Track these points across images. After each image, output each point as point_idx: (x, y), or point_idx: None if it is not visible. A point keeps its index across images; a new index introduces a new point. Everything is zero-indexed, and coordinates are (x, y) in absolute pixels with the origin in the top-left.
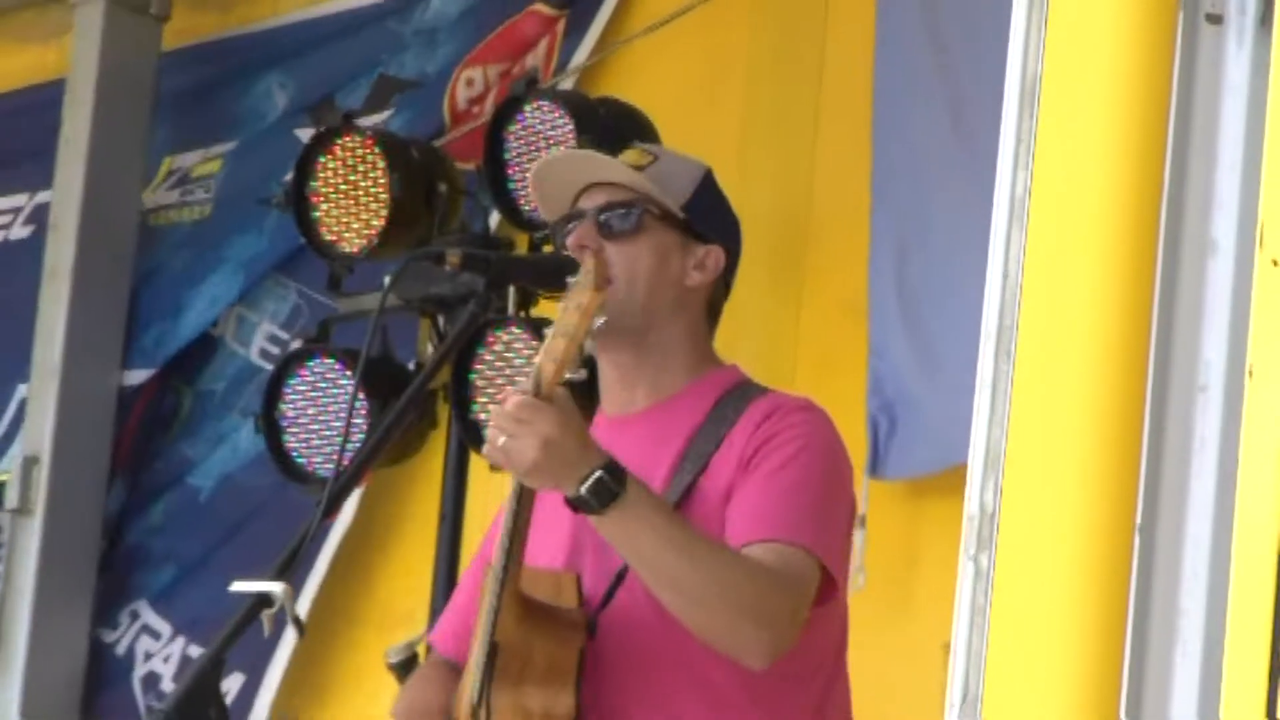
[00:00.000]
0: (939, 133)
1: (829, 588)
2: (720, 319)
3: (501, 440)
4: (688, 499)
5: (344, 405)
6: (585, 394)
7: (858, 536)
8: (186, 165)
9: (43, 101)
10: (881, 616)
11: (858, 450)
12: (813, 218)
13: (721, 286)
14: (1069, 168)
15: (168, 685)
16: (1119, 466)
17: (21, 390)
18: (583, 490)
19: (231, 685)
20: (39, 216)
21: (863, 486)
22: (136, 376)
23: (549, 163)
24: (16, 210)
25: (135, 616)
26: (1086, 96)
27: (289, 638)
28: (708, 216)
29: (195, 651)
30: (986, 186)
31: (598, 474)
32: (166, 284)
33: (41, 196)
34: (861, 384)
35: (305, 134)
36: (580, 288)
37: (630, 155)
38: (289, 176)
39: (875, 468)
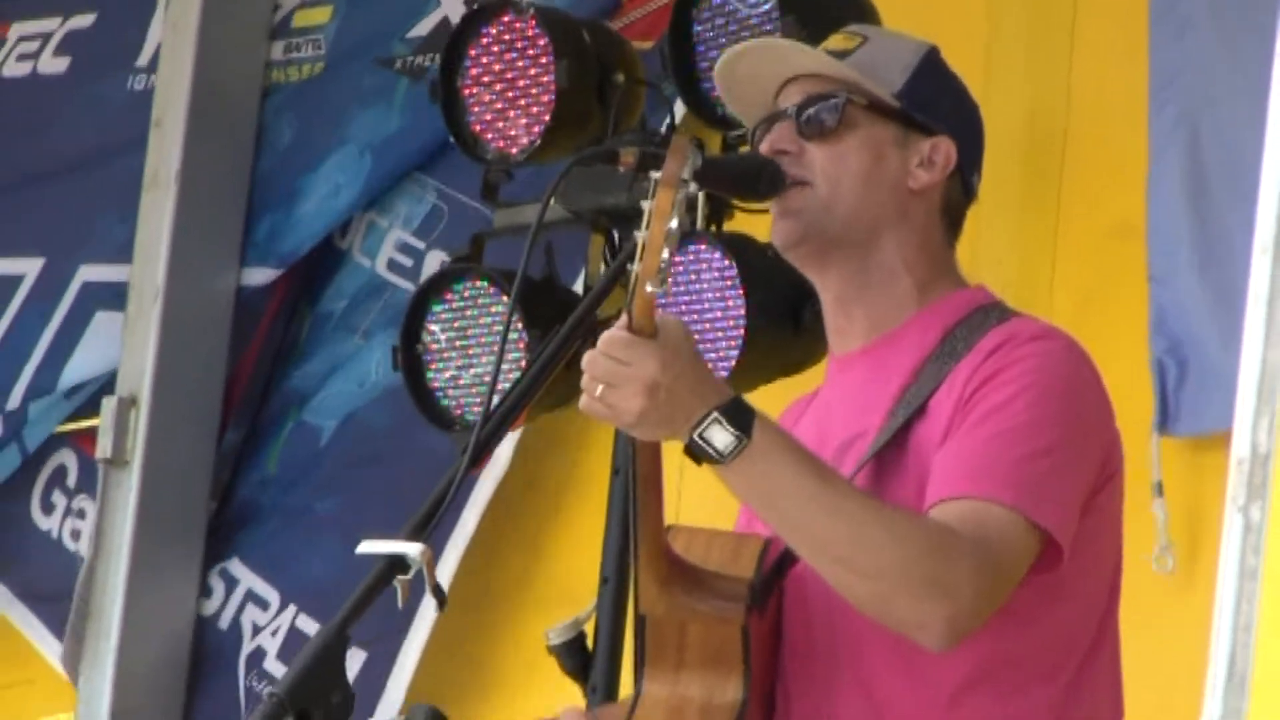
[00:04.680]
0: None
1: (1052, 555)
2: (962, 228)
3: (599, 389)
4: (895, 449)
5: (498, 337)
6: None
7: (1157, 508)
8: (285, 7)
9: None
10: (1171, 595)
11: (1140, 401)
12: (1072, 122)
13: (958, 187)
14: None
15: (272, 664)
16: None
17: (85, 272)
18: (697, 436)
19: (352, 664)
20: (74, 47)
21: (1152, 447)
22: (254, 276)
23: (735, 56)
24: (45, 36)
25: (233, 582)
26: None
27: (428, 610)
28: (932, 103)
29: (308, 625)
30: None
31: (714, 416)
32: (274, 161)
33: (76, 21)
34: (1134, 321)
35: None
36: (658, 183)
37: (834, 40)
38: (419, 31)
39: (1165, 422)
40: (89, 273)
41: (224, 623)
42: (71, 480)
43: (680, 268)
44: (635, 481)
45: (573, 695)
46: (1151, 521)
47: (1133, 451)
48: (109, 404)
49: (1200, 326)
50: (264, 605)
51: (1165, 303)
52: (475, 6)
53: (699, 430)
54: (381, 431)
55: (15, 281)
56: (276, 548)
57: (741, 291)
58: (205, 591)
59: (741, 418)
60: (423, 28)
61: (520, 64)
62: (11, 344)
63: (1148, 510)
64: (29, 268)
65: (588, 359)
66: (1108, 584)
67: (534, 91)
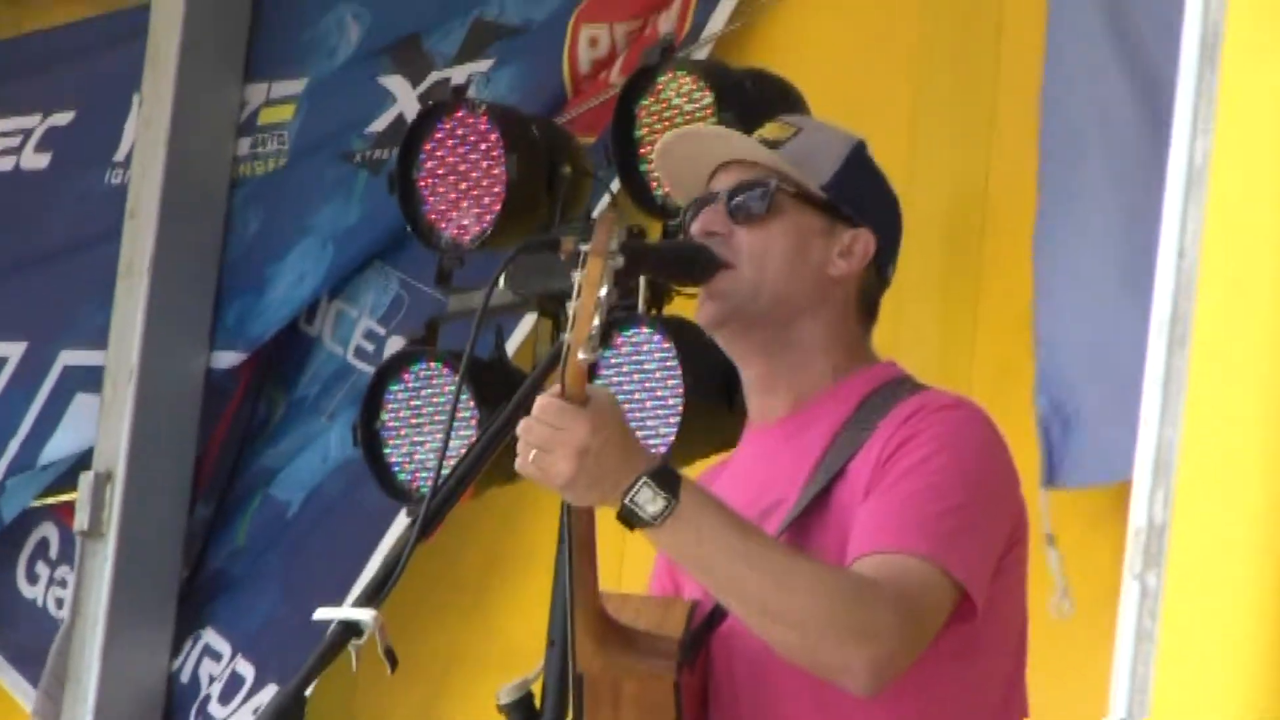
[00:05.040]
0: (1114, 112)
1: (967, 608)
2: (877, 313)
3: (532, 454)
4: (817, 510)
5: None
6: (726, 403)
7: (1051, 557)
8: (251, 105)
9: (77, 30)
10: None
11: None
12: (990, 209)
13: (874, 275)
14: (1256, 130)
15: (215, 708)
16: None
17: (65, 356)
18: (628, 501)
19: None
20: (55, 142)
21: (1040, 499)
22: (222, 359)
23: (675, 138)
24: (27, 132)
25: (199, 642)
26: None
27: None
28: (856, 195)
29: (246, 670)
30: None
31: (643, 481)
32: (243, 251)
33: (56, 119)
34: None
35: (389, 81)
36: (588, 255)
37: (769, 129)
38: (374, 127)
39: (1051, 478)
40: (69, 357)
41: (185, 676)
42: (54, 551)
43: (624, 348)
44: (571, 546)
45: None
46: (1046, 572)
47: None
48: (86, 479)
49: (1081, 388)
50: (217, 658)
51: (1049, 370)
52: (430, 104)
53: (629, 495)
54: (342, 500)
55: None
56: (238, 606)
57: (679, 371)
58: (176, 652)
59: (669, 482)
60: (380, 123)
61: (472, 157)
62: None
63: (1043, 561)
64: (12, 351)
65: (523, 425)
66: (1016, 642)
67: (485, 183)
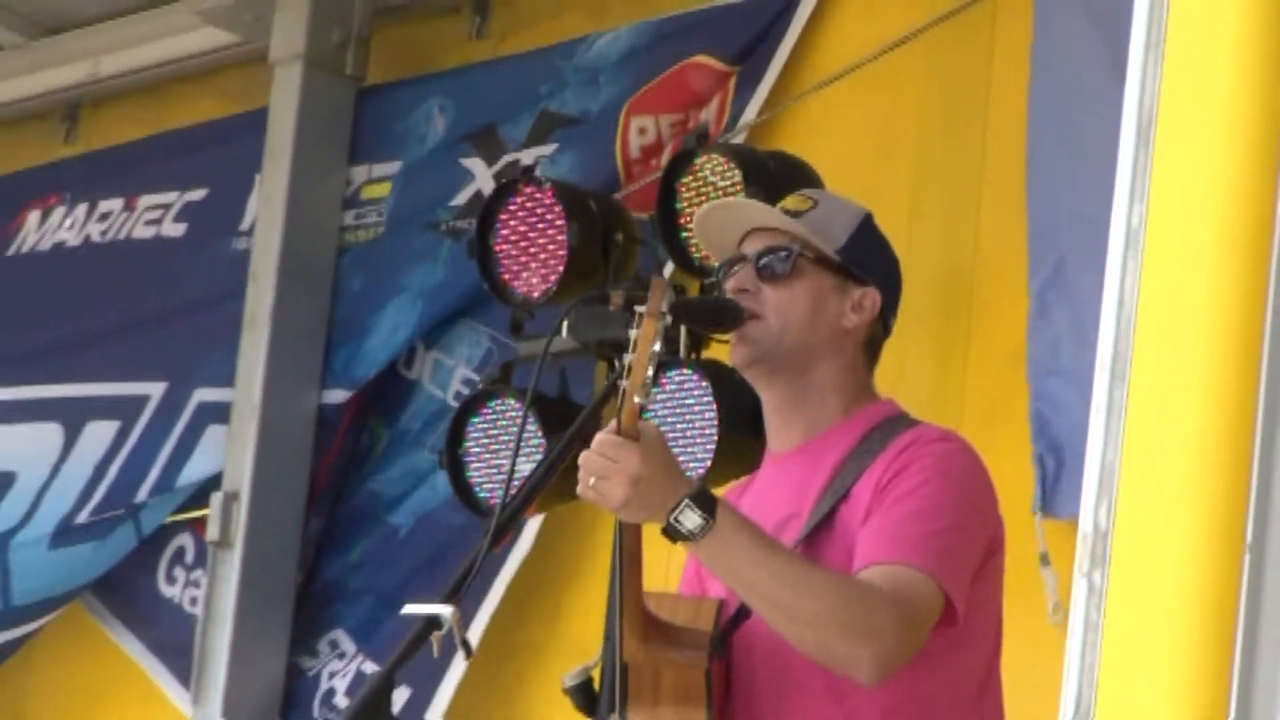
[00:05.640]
0: (1091, 182)
1: (951, 613)
2: (879, 358)
3: (592, 480)
4: (825, 527)
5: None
6: (753, 433)
7: (1045, 574)
8: (354, 183)
9: (210, 127)
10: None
11: (1025, 491)
12: (978, 271)
13: (879, 326)
14: (1183, 201)
15: (340, 700)
16: (1229, 487)
17: (200, 394)
18: (672, 520)
19: (399, 699)
20: (190, 215)
21: (1037, 526)
22: (331, 396)
23: (711, 210)
24: (167, 206)
25: (335, 645)
26: (1200, 134)
27: (459, 659)
28: (865, 259)
29: (369, 669)
30: None
31: (685, 503)
32: (347, 304)
33: (191, 194)
34: (1028, 429)
35: (470, 163)
36: (643, 316)
37: (790, 201)
38: (458, 200)
39: (1045, 506)
40: (203, 394)
41: (312, 674)
42: (189, 558)
43: (669, 386)
44: (621, 556)
45: None
46: (1042, 585)
47: (1028, 528)
48: (216, 498)
49: (1072, 432)
50: (343, 656)
51: (1045, 414)
52: (504, 181)
53: (673, 515)
54: (451, 525)
55: (144, 401)
56: (369, 619)
57: (715, 406)
58: (312, 653)
59: (707, 503)
60: (461, 198)
61: (540, 226)
62: (141, 450)
63: (1038, 576)
64: (155, 390)
65: (583, 457)
66: (993, 638)
67: (550, 248)
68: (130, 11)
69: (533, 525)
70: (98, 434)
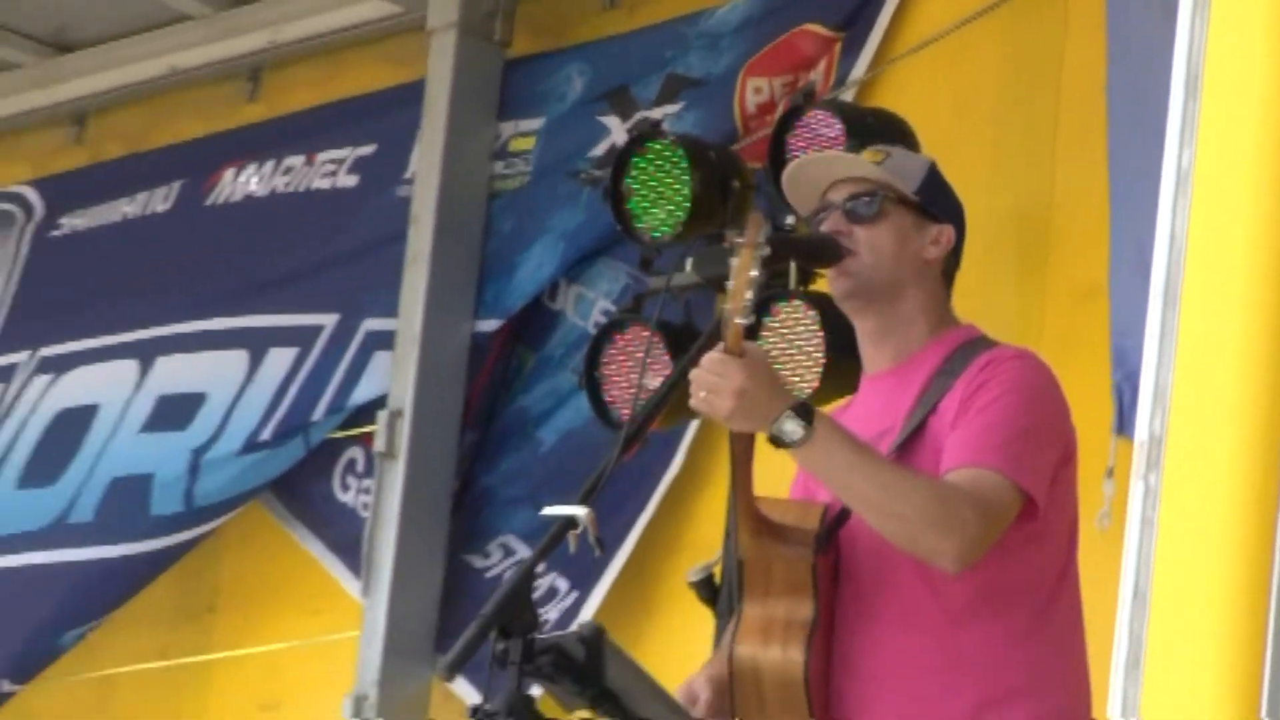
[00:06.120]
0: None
1: (1031, 509)
2: (954, 282)
3: (702, 394)
4: (916, 438)
5: (652, 364)
6: (852, 359)
7: (1106, 486)
8: (503, 137)
9: (378, 94)
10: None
11: (1102, 412)
12: (1054, 215)
13: (953, 258)
14: (1227, 145)
15: None
16: (1269, 398)
17: (368, 324)
18: (775, 429)
19: (565, 600)
20: (361, 168)
21: (1110, 443)
22: (483, 326)
23: (800, 164)
24: (340, 160)
25: (506, 549)
26: (1242, 84)
27: (618, 560)
28: (937, 200)
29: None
30: None
31: (787, 414)
32: (498, 244)
33: (362, 150)
34: (1100, 360)
35: (606, 119)
36: (742, 246)
37: (866, 154)
38: (596, 151)
39: (1121, 428)
40: (370, 324)
41: (489, 575)
42: (360, 468)
43: (780, 315)
44: (734, 462)
45: (708, 618)
46: (1102, 495)
47: (1098, 445)
48: (382, 415)
49: None
50: (511, 554)
51: (1126, 348)
52: (634, 134)
53: (776, 423)
54: (594, 443)
55: (319, 330)
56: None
57: (821, 333)
58: (483, 553)
59: (806, 414)
60: (599, 150)
61: (665, 174)
62: (317, 373)
63: (1099, 493)
64: (328, 320)
65: (694, 373)
66: (1068, 534)
67: (675, 194)
68: None
69: (685, 440)
70: (279, 360)
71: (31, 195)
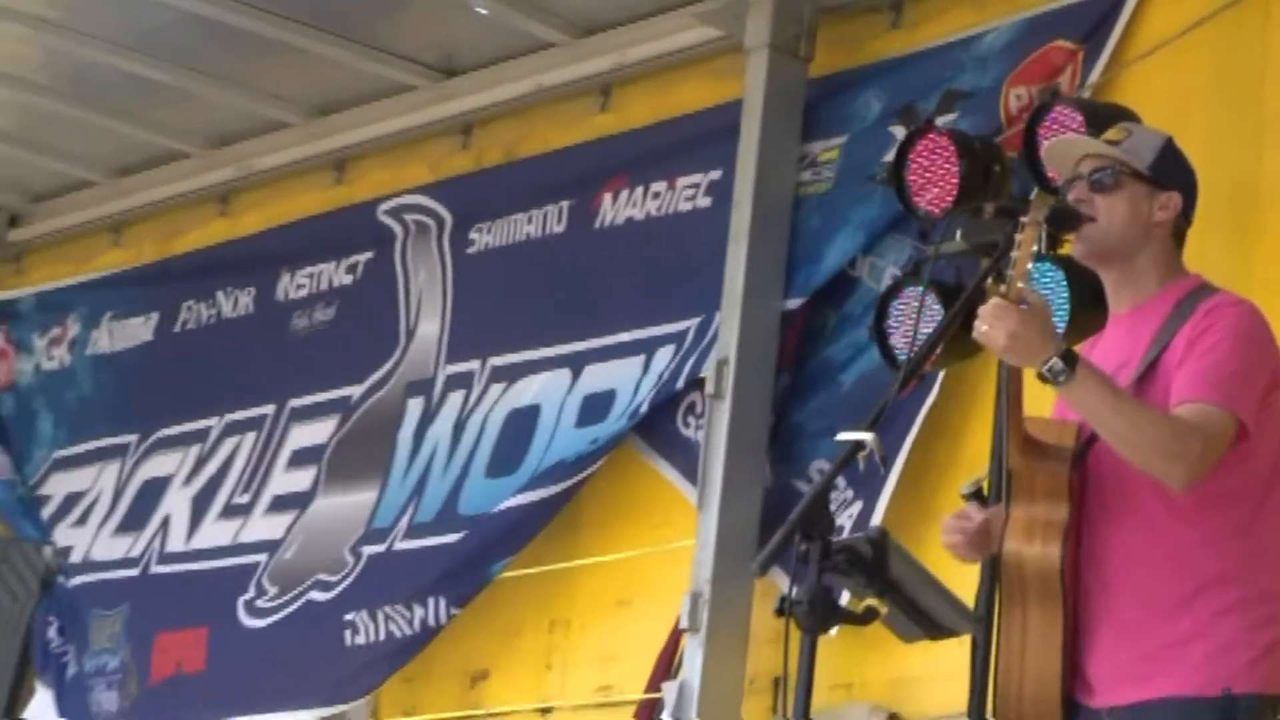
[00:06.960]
0: None
1: (1243, 433)
2: (1185, 241)
3: (984, 328)
4: (1152, 372)
5: (929, 317)
6: (1096, 305)
7: None
8: (813, 152)
9: (716, 114)
10: None
11: None
12: (1262, 193)
13: (1183, 219)
14: None
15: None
16: None
17: (697, 318)
18: (1042, 369)
19: (853, 508)
20: (713, 191)
21: None
22: (792, 303)
23: (1054, 144)
24: (696, 185)
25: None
26: None
27: (894, 474)
28: (1169, 171)
29: (849, 495)
30: None
31: (1052, 358)
32: (806, 238)
33: (712, 174)
34: None
35: (896, 131)
36: (1025, 224)
37: (1111, 133)
38: (888, 158)
39: None
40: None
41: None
42: (699, 410)
43: (1033, 274)
44: (1006, 390)
45: None
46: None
47: None
48: (711, 364)
49: None
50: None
51: None
52: (912, 129)
53: (1045, 365)
54: (886, 382)
55: (688, 331)
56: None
57: (1068, 288)
58: (806, 478)
59: (1070, 359)
60: (889, 155)
61: (938, 162)
62: (682, 360)
63: None
64: (692, 323)
65: (981, 309)
66: (1275, 449)
67: (947, 177)
68: (646, 15)
69: (939, 378)
70: (662, 356)
71: (435, 205)
